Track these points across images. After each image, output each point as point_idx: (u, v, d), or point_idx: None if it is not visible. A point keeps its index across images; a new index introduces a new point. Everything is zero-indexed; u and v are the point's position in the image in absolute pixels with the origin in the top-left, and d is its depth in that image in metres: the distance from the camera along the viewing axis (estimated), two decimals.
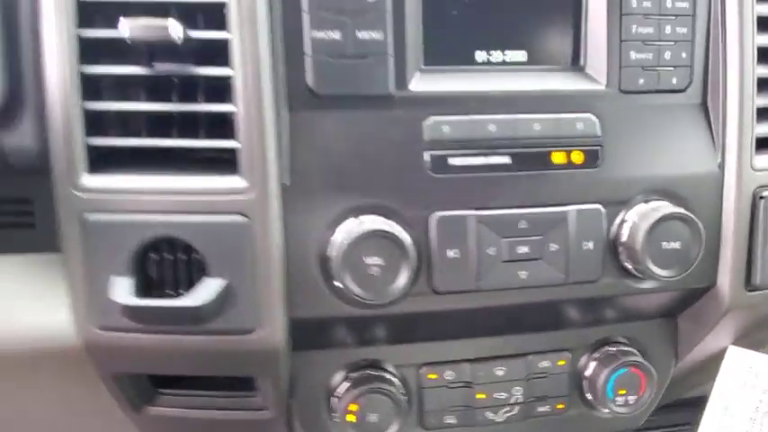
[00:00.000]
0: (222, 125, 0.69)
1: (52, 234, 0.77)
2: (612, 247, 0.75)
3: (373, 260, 0.66)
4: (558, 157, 0.73)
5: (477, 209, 0.71)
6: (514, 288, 0.73)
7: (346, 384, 0.78)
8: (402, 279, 0.67)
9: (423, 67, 0.73)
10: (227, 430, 0.85)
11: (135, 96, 0.69)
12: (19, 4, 0.69)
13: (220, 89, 0.69)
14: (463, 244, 0.71)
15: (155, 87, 0.69)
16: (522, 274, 0.72)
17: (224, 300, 0.66)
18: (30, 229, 0.79)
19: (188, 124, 0.69)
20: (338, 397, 0.77)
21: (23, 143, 0.71)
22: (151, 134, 0.69)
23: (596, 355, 0.84)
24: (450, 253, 0.71)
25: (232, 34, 0.66)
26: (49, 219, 0.78)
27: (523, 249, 0.72)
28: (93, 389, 0.80)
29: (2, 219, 0.78)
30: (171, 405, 0.81)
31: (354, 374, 0.78)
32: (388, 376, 0.79)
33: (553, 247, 0.72)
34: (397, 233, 0.67)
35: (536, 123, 0.72)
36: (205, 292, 0.65)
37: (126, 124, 0.69)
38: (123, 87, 0.69)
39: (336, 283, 0.68)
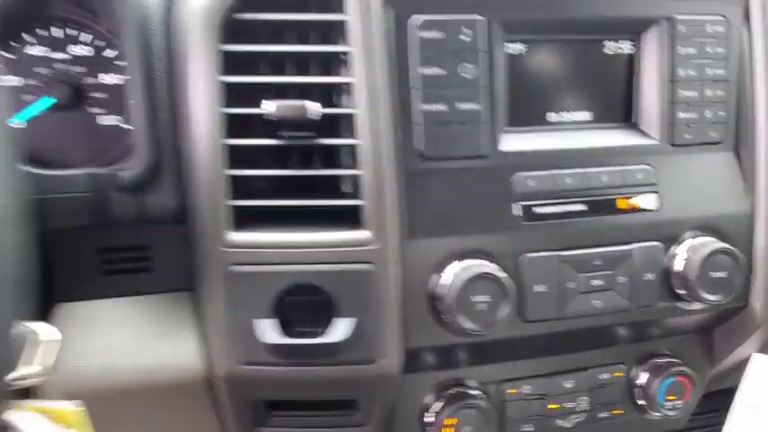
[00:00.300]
0: (332, 181, 0.80)
1: (167, 276, 0.87)
2: (666, 276, 0.88)
3: (480, 298, 0.78)
4: (622, 203, 0.86)
5: (558, 250, 0.83)
6: (590, 315, 0.85)
7: (440, 402, 0.88)
8: (503, 312, 0.79)
9: (506, 128, 0.85)
10: None
11: (264, 161, 0.79)
12: (157, 85, 0.79)
13: (332, 151, 0.79)
14: (549, 280, 0.83)
15: (277, 151, 0.79)
16: (597, 303, 0.85)
17: (355, 336, 0.77)
18: (147, 273, 0.88)
19: (305, 181, 0.80)
20: (436, 413, 0.88)
21: (164, 201, 0.81)
22: (276, 193, 0.79)
23: (646, 366, 0.96)
24: (538, 288, 0.83)
25: (360, 110, 0.76)
26: (165, 263, 0.88)
27: (597, 282, 0.84)
28: (204, 416, 0.89)
29: (126, 264, 0.87)
30: (280, 425, 0.90)
31: (446, 393, 0.89)
32: (475, 392, 0.90)
33: (621, 279, 0.85)
34: (499, 275, 0.78)
35: (604, 175, 0.85)
36: (340, 330, 0.76)
37: (249, 183, 0.79)
38: (251, 152, 0.78)
39: (445, 318, 0.80)
